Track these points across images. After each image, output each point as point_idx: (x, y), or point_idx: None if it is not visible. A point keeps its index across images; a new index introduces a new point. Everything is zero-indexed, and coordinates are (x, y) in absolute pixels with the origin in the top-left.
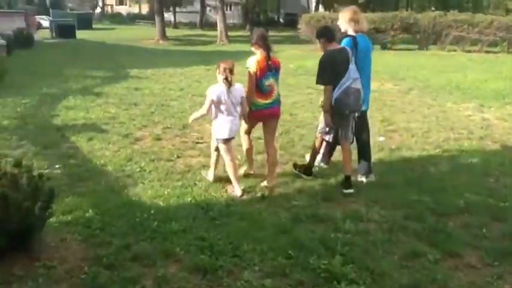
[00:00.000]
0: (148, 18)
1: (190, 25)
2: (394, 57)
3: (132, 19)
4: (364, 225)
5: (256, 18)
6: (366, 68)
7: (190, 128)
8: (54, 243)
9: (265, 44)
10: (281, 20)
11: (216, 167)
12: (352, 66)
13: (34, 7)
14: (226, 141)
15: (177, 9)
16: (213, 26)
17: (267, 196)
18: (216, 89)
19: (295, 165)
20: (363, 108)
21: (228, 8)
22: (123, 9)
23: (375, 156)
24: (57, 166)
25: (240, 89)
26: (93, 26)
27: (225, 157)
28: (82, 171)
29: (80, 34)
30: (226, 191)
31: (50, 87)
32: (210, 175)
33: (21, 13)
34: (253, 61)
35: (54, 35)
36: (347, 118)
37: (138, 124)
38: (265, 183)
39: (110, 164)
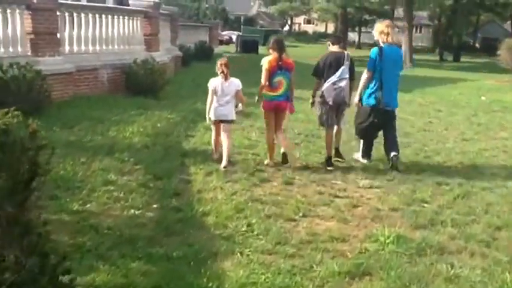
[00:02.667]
0: None
1: (375, 46)
2: None
3: (317, 38)
4: None
5: (448, 42)
6: (392, 74)
7: (333, 175)
8: None
9: (278, 47)
10: (477, 45)
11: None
12: (343, 68)
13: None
14: (215, 122)
15: (363, 29)
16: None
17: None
18: (215, 81)
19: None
20: (393, 107)
21: (418, 30)
22: (309, 28)
23: None
24: (154, 206)
25: (235, 82)
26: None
27: (212, 133)
28: (175, 220)
29: (264, 50)
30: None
31: (204, 102)
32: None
33: (206, 27)
34: (266, 60)
35: (238, 49)
36: (331, 108)
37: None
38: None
39: (213, 213)
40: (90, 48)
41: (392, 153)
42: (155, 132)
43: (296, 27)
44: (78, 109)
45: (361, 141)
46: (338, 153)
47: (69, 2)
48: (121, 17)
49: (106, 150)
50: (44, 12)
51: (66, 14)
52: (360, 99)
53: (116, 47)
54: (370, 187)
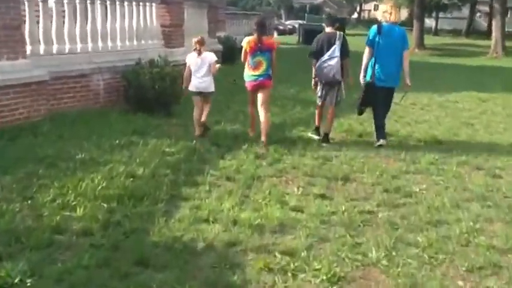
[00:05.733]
0: (408, 24)
1: (454, 32)
2: None
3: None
4: None
5: None
6: (392, 50)
7: None
8: None
9: (258, 29)
10: None
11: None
12: (334, 47)
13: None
14: (193, 93)
15: (441, 14)
16: (481, 34)
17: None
18: (190, 56)
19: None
20: (391, 85)
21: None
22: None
23: None
24: None
25: (209, 56)
26: (347, 31)
27: (194, 105)
28: None
29: None
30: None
31: (242, 123)
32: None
33: (255, 16)
34: (245, 41)
35: (300, 40)
36: (325, 86)
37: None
38: (262, 138)
39: None
40: (78, 46)
41: (378, 143)
42: (122, 192)
43: (366, 14)
44: (34, 139)
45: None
46: (326, 138)
47: None
48: (126, 2)
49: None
50: None
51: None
52: (365, 76)
53: (118, 43)
54: None
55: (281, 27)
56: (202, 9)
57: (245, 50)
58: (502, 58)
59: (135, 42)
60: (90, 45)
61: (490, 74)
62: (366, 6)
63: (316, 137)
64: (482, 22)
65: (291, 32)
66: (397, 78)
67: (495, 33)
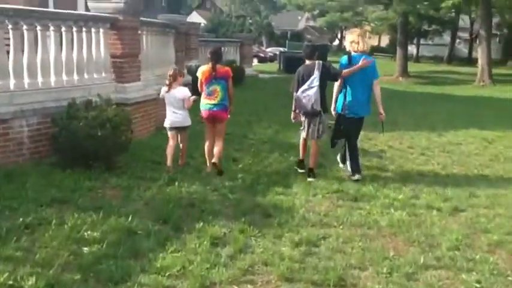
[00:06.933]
0: (387, 51)
1: (435, 59)
2: None
3: (370, 52)
4: None
5: None
6: (363, 82)
7: None
8: None
9: (212, 57)
10: None
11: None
12: (313, 77)
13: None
14: (169, 129)
15: (422, 41)
16: (461, 60)
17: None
18: (162, 90)
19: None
20: (362, 114)
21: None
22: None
23: None
24: None
25: (181, 91)
26: (328, 58)
27: (169, 140)
28: None
29: None
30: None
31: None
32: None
33: (235, 42)
34: (200, 71)
35: (281, 67)
36: (306, 117)
37: None
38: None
39: None
40: None
41: (354, 178)
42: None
43: None
44: None
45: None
46: (311, 173)
47: None
48: (63, 27)
49: None
50: None
51: None
52: (335, 107)
53: (51, 78)
54: None
55: (262, 55)
56: (167, 37)
57: (200, 80)
58: (489, 86)
59: (75, 77)
60: (12, 82)
61: (485, 106)
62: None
63: (300, 171)
64: (462, 49)
65: (272, 59)
66: (368, 107)
67: (481, 60)
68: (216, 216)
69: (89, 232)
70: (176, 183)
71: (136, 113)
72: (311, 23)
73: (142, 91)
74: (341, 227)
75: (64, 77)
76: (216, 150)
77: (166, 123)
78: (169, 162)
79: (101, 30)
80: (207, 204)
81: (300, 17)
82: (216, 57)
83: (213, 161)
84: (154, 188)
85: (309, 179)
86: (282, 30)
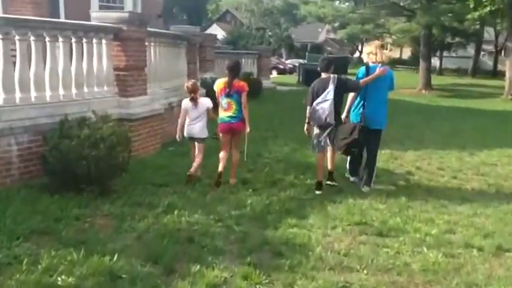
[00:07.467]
0: (409, 63)
1: (459, 72)
2: None
3: (392, 64)
4: None
5: None
6: (379, 92)
7: None
8: None
9: (229, 71)
10: None
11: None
12: (328, 91)
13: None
14: (189, 139)
15: (445, 53)
16: (486, 73)
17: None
18: (185, 103)
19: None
20: (378, 127)
21: (502, 53)
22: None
23: None
24: None
25: (205, 102)
26: (349, 70)
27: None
28: None
29: None
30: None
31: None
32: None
33: (253, 55)
34: (216, 84)
35: (300, 80)
36: (320, 130)
37: None
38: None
39: None
40: None
41: (364, 188)
42: None
43: None
44: None
45: (348, 158)
46: (331, 177)
47: None
48: (61, 38)
49: None
50: None
51: None
52: (348, 116)
53: (47, 93)
54: None
55: (281, 66)
56: (179, 48)
57: (217, 94)
58: None
59: (73, 91)
60: (1, 96)
61: None
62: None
63: (318, 192)
64: (487, 61)
65: (291, 71)
66: (385, 118)
67: (509, 73)
68: (217, 255)
69: (63, 276)
70: (176, 212)
71: (141, 129)
72: (331, 36)
73: (148, 106)
74: (365, 271)
75: (61, 91)
76: (233, 160)
77: (185, 133)
78: (193, 168)
79: (104, 41)
80: (208, 239)
81: (320, 29)
82: (234, 72)
83: (231, 181)
84: (150, 217)
85: (328, 182)
86: (302, 42)
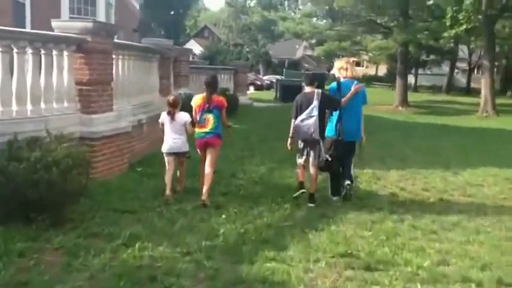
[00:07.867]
0: (385, 80)
1: (434, 89)
2: None
3: (368, 81)
4: None
5: None
6: (354, 107)
7: None
8: None
9: (206, 86)
10: None
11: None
12: (312, 106)
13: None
14: (166, 154)
15: (420, 71)
16: (460, 90)
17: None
18: (163, 116)
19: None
20: (354, 139)
21: (477, 71)
22: (359, 71)
23: None
24: None
25: (182, 117)
26: (326, 86)
27: (166, 165)
28: None
29: None
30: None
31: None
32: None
33: (229, 70)
34: (194, 100)
35: (277, 96)
36: (306, 144)
37: None
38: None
39: None
40: None
41: (347, 182)
42: None
43: None
44: None
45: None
46: (312, 199)
47: None
48: (16, 49)
49: None
50: None
51: None
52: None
53: None
54: None
55: (258, 83)
56: (150, 62)
57: (194, 110)
58: (493, 117)
59: (28, 107)
60: None
61: (495, 138)
62: None
63: (300, 191)
64: (461, 79)
65: (269, 87)
66: (359, 131)
67: (484, 91)
68: None
69: None
70: (137, 244)
71: (105, 148)
72: (309, 52)
73: (114, 123)
74: None
75: (14, 107)
76: (205, 179)
77: (164, 148)
78: (168, 190)
79: (65, 52)
80: (173, 278)
81: (297, 46)
82: (212, 88)
83: (202, 197)
84: (107, 252)
85: (310, 204)
86: (279, 58)
